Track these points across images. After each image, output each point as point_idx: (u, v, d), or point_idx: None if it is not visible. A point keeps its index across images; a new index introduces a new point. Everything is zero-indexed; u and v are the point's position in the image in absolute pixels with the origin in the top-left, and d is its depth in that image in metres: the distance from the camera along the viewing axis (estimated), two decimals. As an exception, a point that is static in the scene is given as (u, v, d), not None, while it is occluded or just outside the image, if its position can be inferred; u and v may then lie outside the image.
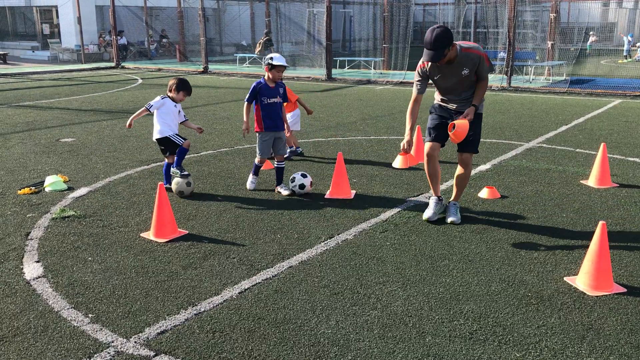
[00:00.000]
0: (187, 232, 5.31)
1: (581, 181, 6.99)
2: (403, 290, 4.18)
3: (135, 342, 3.49)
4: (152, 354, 3.36)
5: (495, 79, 18.07)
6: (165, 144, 6.53)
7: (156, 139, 6.56)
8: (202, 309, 3.89)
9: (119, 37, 25.71)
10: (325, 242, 5.09)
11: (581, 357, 3.35)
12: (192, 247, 4.98)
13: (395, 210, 5.92)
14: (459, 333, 3.60)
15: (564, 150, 8.67)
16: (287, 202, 6.21)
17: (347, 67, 23.06)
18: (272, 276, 4.40)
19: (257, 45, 24.78)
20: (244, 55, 25.71)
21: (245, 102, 6.58)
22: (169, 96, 6.51)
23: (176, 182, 6.36)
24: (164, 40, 30.48)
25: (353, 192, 6.52)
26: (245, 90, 17.15)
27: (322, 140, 9.53)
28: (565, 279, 4.37)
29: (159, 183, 5.23)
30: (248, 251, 4.88)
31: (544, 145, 9.08)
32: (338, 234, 5.27)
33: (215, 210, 5.94)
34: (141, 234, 5.27)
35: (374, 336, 3.56)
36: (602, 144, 6.98)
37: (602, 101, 14.21)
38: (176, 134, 6.52)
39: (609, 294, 4.11)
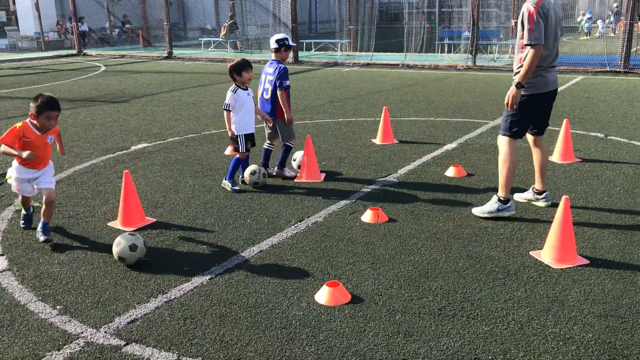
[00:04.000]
0: (155, 220, 5.26)
1: (552, 158, 7.11)
2: (373, 270, 4.22)
3: (105, 332, 3.46)
4: (123, 343, 3.34)
5: (460, 59, 18.22)
6: (234, 141, 6.05)
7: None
8: (173, 297, 3.87)
9: (79, 24, 25.10)
10: (296, 225, 5.10)
11: (547, 328, 3.44)
12: (160, 234, 4.94)
13: (364, 192, 5.96)
14: (428, 310, 3.67)
15: (528, 127, 8.80)
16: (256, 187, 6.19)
17: (313, 50, 22.96)
18: (243, 261, 4.40)
19: (222, 28, 24.50)
20: (209, 39, 25.38)
21: (287, 89, 6.23)
22: (236, 84, 5.96)
23: (251, 172, 6.03)
24: (127, 26, 29.87)
25: (323, 174, 6.53)
26: (212, 74, 17.09)
27: (290, 124, 9.49)
28: (530, 253, 4.47)
29: (125, 171, 5.15)
30: (218, 237, 4.86)
31: (509, 122, 9.19)
32: (308, 217, 5.28)
33: (184, 197, 5.89)
34: (108, 224, 5.20)
35: (345, 316, 3.60)
36: (564, 120, 7.12)
37: (564, 78, 14.45)
38: (245, 135, 5.97)
39: (573, 266, 4.21)
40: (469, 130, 8.69)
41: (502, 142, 5.16)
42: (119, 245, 4.27)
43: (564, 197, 4.28)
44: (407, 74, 16.11)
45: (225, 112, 6.03)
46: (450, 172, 6.48)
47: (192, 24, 31.00)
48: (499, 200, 5.15)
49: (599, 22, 27.27)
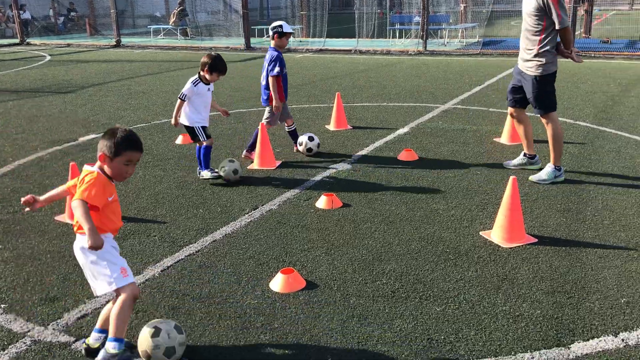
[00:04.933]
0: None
1: (494, 139, 7.27)
2: (327, 255, 4.23)
3: (53, 329, 3.37)
4: (72, 339, 3.26)
5: (411, 44, 18.37)
6: (191, 132, 5.86)
7: (184, 125, 5.87)
8: (124, 290, 3.79)
9: (21, 12, 24.16)
10: (250, 213, 5.06)
11: (497, 307, 3.52)
12: (110, 227, 4.82)
13: (318, 178, 5.96)
14: (382, 292, 3.70)
15: (478, 110, 8.97)
16: (209, 175, 6.11)
17: (265, 36, 22.73)
18: (196, 251, 4.34)
19: (172, 15, 24.00)
20: (158, 26, 24.82)
21: (276, 76, 6.37)
22: (200, 75, 5.73)
23: (222, 170, 5.83)
24: (72, 13, 28.92)
25: (277, 162, 6.49)
26: (162, 62, 16.74)
27: (243, 111, 9.41)
28: (480, 233, 4.56)
29: (71, 163, 5.00)
30: (169, 228, 4.78)
31: (459, 106, 9.35)
32: (262, 205, 5.25)
33: (134, 188, 5.76)
34: (55, 218, 5.05)
35: (300, 302, 3.60)
36: (512, 103, 7.25)
37: (513, 61, 14.69)
38: (203, 127, 5.81)
39: (522, 245, 4.32)
40: (420, 114, 8.78)
41: (552, 117, 5.63)
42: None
43: (511, 177, 4.37)
44: (359, 60, 16.15)
45: (178, 101, 5.78)
46: (403, 155, 6.54)
47: (140, 11, 30.26)
48: (555, 168, 5.69)
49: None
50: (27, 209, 3.13)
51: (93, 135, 7.93)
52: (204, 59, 5.71)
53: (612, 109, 8.90)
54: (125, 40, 22.14)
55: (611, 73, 12.47)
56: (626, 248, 4.25)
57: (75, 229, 3.01)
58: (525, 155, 6.09)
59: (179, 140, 7.46)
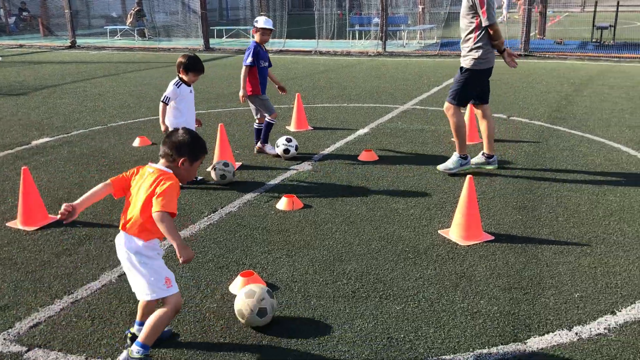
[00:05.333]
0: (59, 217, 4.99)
1: (452, 139, 7.35)
2: (288, 257, 4.22)
3: (4, 338, 3.26)
4: (24, 349, 3.16)
5: (370, 45, 18.50)
6: None
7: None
8: (79, 297, 3.70)
9: (-30, 11, 23.38)
10: (209, 216, 5.01)
11: (455, 304, 3.57)
12: (65, 233, 4.70)
13: (279, 179, 5.93)
14: (342, 293, 3.71)
15: (436, 111, 9.09)
16: (167, 178, 6.01)
17: (225, 37, 22.58)
18: (154, 255, 4.26)
19: (129, 16, 23.59)
20: (115, 27, 24.38)
21: (248, 66, 6.41)
22: (180, 77, 5.57)
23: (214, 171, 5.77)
24: (24, 13, 28.13)
25: (238, 163, 6.44)
26: (119, 64, 16.43)
27: (202, 112, 9.30)
28: (439, 231, 4.62)
29: (23, 167, 4.86)
30: (127, 232, 4.68)
31: (418, 106, 9.46)
32: (222, 207, 5.20)
33: (90, 192, 5.63)
34: (7, 224, 4.90)
35: (260, 305, 3.57)
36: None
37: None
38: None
39: (479, 243, 4.39)
40: (380, 115, 8.84)
41: (456, 111, 5.89)
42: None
43: (468, 176, 4.44)
44: (319, 61, 16.18)
45: (161, 105, 5.57)
46: (363, 156, 6.58)
47: (95, 11, 29.64)
48: (461, 157, 5.97)
49: (504, 7, 28.45)
50: (67, 221, 2.95)
51: (47, 139, 7.72)
52: (180, 60, 5.57)
53: (565, 108, 9.13)
54: (80, 41, 21.66)
55: (564, 73, 12.81)
56: (579, 244, 4.36)
57: (127, 226, 2.90)
58: (483, 154, 6.18)
59: (136, 142, 7.33)
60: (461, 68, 5.86)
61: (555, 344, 3.16)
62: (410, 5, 21.58)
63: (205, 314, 3.49)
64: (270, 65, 6.70)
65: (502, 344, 3.17)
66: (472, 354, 3.09)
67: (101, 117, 9.09)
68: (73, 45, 20.91)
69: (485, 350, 3.11)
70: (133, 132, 7.90)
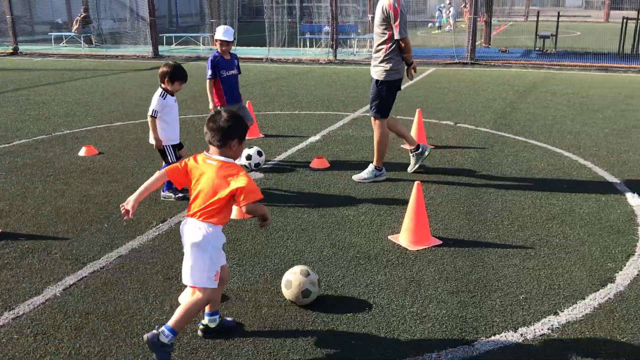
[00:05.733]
0: (0, 230, 4.83)
1: (402, 145, 7.48)
2: (239, 266, 4.19)
3: (-60, 359, 3.11)
4: (-38, 369, 3.03)
5: (321, 53, 18.62)
6: (160, 151, 5.50)
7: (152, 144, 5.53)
8: (21, 312, 3.57)
9: None
10: (158, 227, 4.92)
11: (405, 309, 3.62)
12: (6, 246, 4.54)
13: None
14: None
15: (387, 118, 9.20)
16: (115, 189, 5.89)
17: (174, 44, 22.31)
18: (100, 268, 4.17)
19: (74, 22, 23.03)
20: (60, 34, 23.74)
21: (209, 79, 6.40)
22: (163, 88, 5.40)
23: None
24: (-37, 19, 27.08)
25: (186, 172, 6.35)
26: (64, 71, 15.99)
27: (150, 121, 9.15)
28: (389, 237, 4.67)
29: (-40, 179, 4.67)
30: (72, 245, 4.56)
31: (368, 114, 9.52)
32: (171, 217, 5.12)
33: (33, 204, 5.46)
34: (-56, 238, 4.70)
35: (210, 316, 3.53)
36: (417, 110, 7.52)
37: (418, 70, 15.19)
38: (174, 146, 5.49)
39: (428, 248, 4.47)
40: (331, 122, 8.90)
41: (382, 124, 6.00)
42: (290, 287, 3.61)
43: (416, 182, 4.52)
44: (271, 68, 16.17)
45: (150, 119, 5.38)
46: (314, 163, 6.60)
47: (39, 17, 28.80)
48: (376, 168, 6.08)
49: (450, 16, 29.13)
50: (128, 217, 3.16)
51: (-13, 149, 7.45)
52: (163, 69, 5.39)
53: (510, 115, 9.40)
54: (23, 47, 21.00)
55: (509, 81, 13.20)
56: (524, 247, 4.49)
57: (196, 215, 3.04)
58: (411, 152, 6.32)
59: (82, 152, 7.15)
60: (376, 81, 5.88)
61: (502, 345, 3.24)
62: (360, 14, 21.83)
63: (154, 326, 3.41)
64: (239, 72, 6.64)
65: (450, 347, 3.23)
66: (421, 358, 3.13)
67: (45, 126, 8.83)
68: (15, 52, 20.26)
69: (434, 354, 3.16)
70: (79, 141, 7.71)
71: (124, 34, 22.70)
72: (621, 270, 4.10)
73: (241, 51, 19.48)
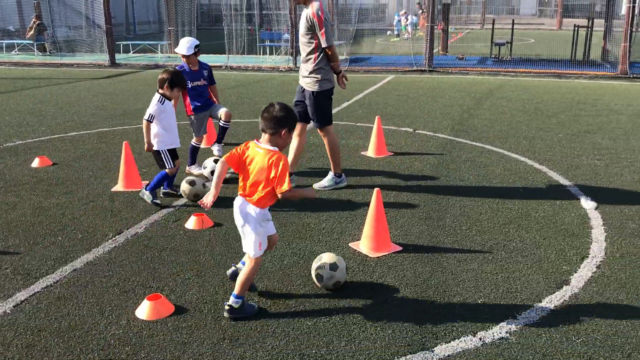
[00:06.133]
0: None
1: (362, 153, 7.52)
2: (198, 278, 4.12)
3: None
4: None
5: (281, 60, 18.62)
6: (156, 156, 5.53)
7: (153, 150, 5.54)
8: (-31, 331, 3.44)
9: None
10: (114, 239, 4.81)
11: (366, 316, 3.61)
12: (-47, 262, 4.37)
13: (187, 197, 5.80)
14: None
15: (347, 125, 9.25)
16: (69, 201, 5.74)
17: (132, 52, 21.97)
18: (54, 282, 4.04)
19: (28, 30, 22.46)
20: (12, 41, 23.11)
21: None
22: (160, 93, 5.41)
23: (189, 182, 5.61)
24: None
25: (144, 182, 6.24)
26: (16, 80, 15.58)
27: (107, 130, 8.98)
28: (350, 244, 4.67)
29: None
30: (24, 259, 4.41)
31: (329, 121, 9.57)
32: (127, 229, 5.01)
33: (-18, 217, 5.27)
34: None
35: (168, 329, 3.46)
36: (377, 117, 7.57)
37: (377, 77, 15.41)
38: (168, 150, 5.48)
39: (388, 254, 4.48)
40: (291, 129, 8.87)
41: (328, 130, 6.01)
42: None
43: (375, 189, 4.53)
44: (230, 76, 16.07)
45: (145, 123, 5.39)
46: (274, 172, 6.56)
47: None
48: (335, 175, 6.10)
49: (408, 24, 29.51)
50: (208, 208, 3.62)
51: None
52: (163, 76, 5.43)
53: (467, 121, 9.56)
54: (-27, 55, 20.37)
55: (466, 87, 13.43)
56: (482, 251, 4.55)
57: (247, 196, 3.54)
58: (336, 174, 6.13)
59: (36, 162, 6.95)
60: (312, 93, 5.82)
61: (461, 350, 3.27)
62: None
63: (109, 341, 3.34)
64: (208, 82, 6.65)
65: (410, 353, 3.23)
66: (382, 365, 3.13)
67: (-4, 136, 8.56)
68: (-35, 61, 19.63)
69: (394, 361, 3.16)
70: (32, 152, 7.50)
71: (80, 42, 22.23)
72: (576, 272, 4.19)
73: (200, 59, 19.30)
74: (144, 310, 3.60)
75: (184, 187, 5.62)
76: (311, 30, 5.67)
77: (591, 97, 11.87)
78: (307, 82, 5.85)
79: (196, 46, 6.46)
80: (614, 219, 5.20)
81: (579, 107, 10.72)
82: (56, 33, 22.95)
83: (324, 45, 5.68)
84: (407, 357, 3.20)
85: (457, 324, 3.52)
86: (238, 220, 3.61)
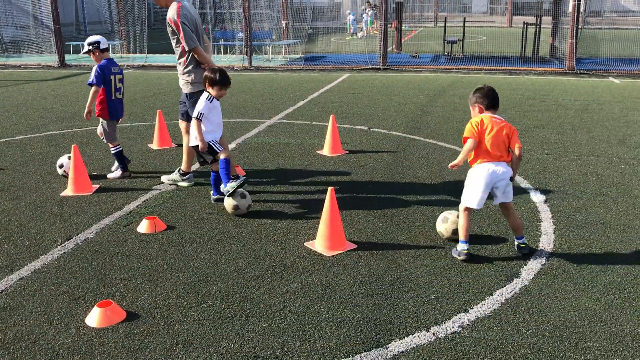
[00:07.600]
0: None
1: (317, 151, 7.52)
2: (150, 283, 4.05)
3: None
4: None
5: (236, 59, 18.48)
6: (201, 153, 5.56)
7: (194, 146, 5.52)
8: None
9: None
10: (63, 245, 4.68)
11: (321, 315, 3.62)
12: None
13: (140, 201, 5.70)
14: (208, 314, 3.62)
15: (302, 124, 9.24)
16: (16, 207, 5.56)
17: (82, 52, 21.42)
18: (-1, 292, 3.91)
19: (-29, 30, 21.66)
20: (-45, 42, 22.22)
21: (96, 87, 6.39)
22: (207, 92, 5.40)
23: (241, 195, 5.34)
24: None
25: (94, 186, 6.10)
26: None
27: (56, 134, 8.74)
28: (305, 244, 4.67)
29: None
30: (-33, 269, 4.26)
31: (284, 120, 9.56)
32: (77, 234, 4.89)
33: None
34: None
35: (120, 336, 3.39)
36: (331, 116, 7.59)
37: (333, 76, 15.46)
38: (216, 141, 5.46)
39: (343, 252, 4.50)
40: (247, 129, 8.82)
41: (192, 125, 5.64)
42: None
43: (329, 188, 4.54)
44: (184, 76, 15.84)
45: (195, 122, 5.35)
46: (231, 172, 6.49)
47: None
48: (179, 172, 6.10)
49: (364, 23, 29.71)
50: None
51: None
52: (206, 74, 5.41)
53: (421, 118, 9.68)
54: None
55: (420, 85, 13.59)
56: (435, 247, 4.61)
57: (502, 157, 4.31)
58: (179, 171, 6.16)
59: (-20, 168, 6.71)
60: (186, 94, 5.89)
61: (415, 345, 3.30)
62: (275, 20, 21.86)
63: (58, 351, 3.24)
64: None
65: (365, 350, 3.25)
66: (337, 364, 3.14)
67: (-63, 142, 8.22)
68: None
69: (349, 359, 3.17)
70: (-24, 158, 7.23)
71: (28, 42, 21.56)
72: (526, 265, 4.29)
73: (153, 59, 19.02)
74: (94, 318, 3.51)
75: (240, 201, 5.30)
76: (175, 34, 5.73)
77: (540, 93, 12.18)
78: (181, 83, 5.95)
79: (91, 44, 6.47)
80: (562, 211, 5.34)
81: (529, 103, 10.99)
82: (2, 33, 22.21)
83: (186, 48, 5.71)
84: (362, 354, 3.22)
85: (411, 320, 3.55)
86: (500, 182, 4.32)
